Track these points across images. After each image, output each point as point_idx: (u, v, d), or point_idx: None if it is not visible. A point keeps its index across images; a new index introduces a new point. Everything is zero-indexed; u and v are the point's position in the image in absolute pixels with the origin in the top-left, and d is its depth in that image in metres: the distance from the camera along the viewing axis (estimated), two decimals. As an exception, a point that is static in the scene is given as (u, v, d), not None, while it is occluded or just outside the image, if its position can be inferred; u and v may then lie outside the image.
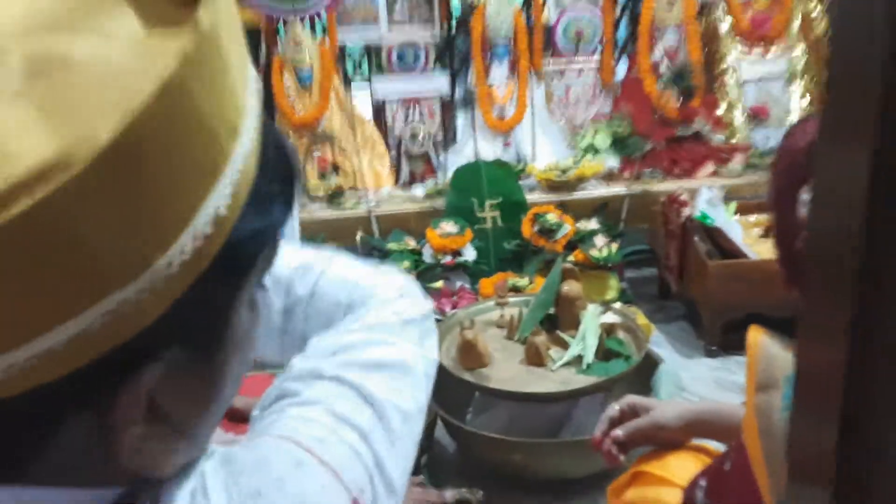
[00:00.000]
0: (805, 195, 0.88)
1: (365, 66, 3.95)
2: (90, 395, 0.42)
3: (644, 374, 2.27)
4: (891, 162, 0.35)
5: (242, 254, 0.45)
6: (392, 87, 3.70)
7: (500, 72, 3.71)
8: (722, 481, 1.03)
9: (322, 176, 3.48)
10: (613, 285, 2.97)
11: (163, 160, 0.37)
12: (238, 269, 0.46)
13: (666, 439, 1.32)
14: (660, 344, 2.88)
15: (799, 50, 3.81)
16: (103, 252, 0.36)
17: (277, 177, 0.47)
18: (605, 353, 2.13)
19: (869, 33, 0.35)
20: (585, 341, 2.13)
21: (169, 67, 0.36)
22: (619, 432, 1.30)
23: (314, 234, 3.17)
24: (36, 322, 0.36)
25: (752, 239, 2.99)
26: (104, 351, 0.39)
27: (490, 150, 3.60)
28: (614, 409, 1.36)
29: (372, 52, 3.85)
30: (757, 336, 0.96)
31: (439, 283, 2.98)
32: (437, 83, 3.74)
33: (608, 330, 2.18)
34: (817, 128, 0.89)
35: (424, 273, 2.98)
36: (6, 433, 0.41)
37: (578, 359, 2.11)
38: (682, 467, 1.24)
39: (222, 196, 0.40)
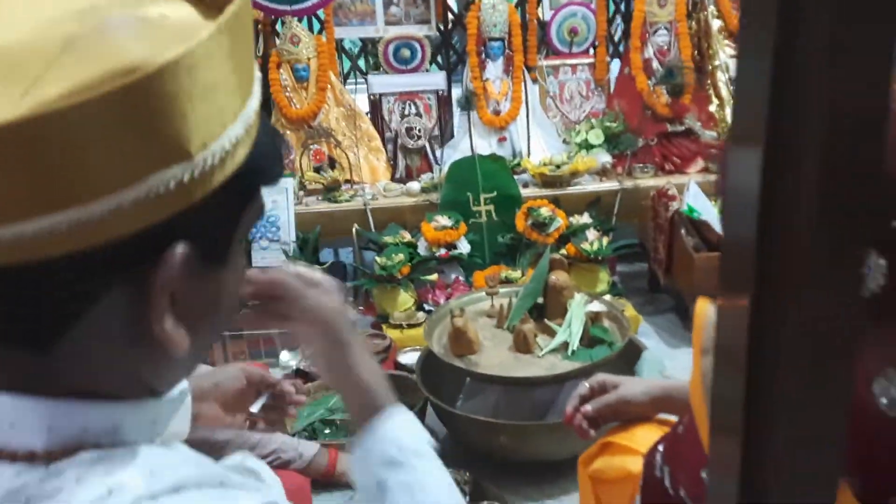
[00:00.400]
0: None
1: (362, 62, 4.01)
2: (131, 262, 0.49)
3: (628, 361, 2.34)
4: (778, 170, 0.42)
5: (252, 177, 0.55)
6: (388, 82, 3.77)
7: (495, 68, 3.77)
8: (677, 444, 1.10)
9: (318, 170, 3.55)
10: (604, 278, 3.04)
11: (219, 81, 0.49)
12: (248, 188, 0.56)
13: (633, 414, 1.38)
14: (648, 335, 2.96)
15: (789, 48, 3.87)
16: (184, 127, 0.47)
17: (270, 141, 0.59)
18: (590, 341, 2.20)
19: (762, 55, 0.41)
20: (571, 329, 2.20)
21: (211, 27, 0.49)
22: (588, 408, 1.36)
23: (310, 226, 3.24)
24: (120, 176, 0.45)
25: (739, 233, 3.05)
26: (153, 221, 0.47)
27: (485, 145, 3.67)
28: (585, 386, 1.42)
29: (369, 49, 3.92)
30: (703, 305, 1.02)
31: (434, 276, 3.05)
32: (433, 79, 3.80)
33: (593, 318, 2.25)
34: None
35: (419, 266, 3.05)
36: (56, 294, 0.48)
37: (564, 345, 2.18)
38: (648, 438, 1.30)
39: (245, 122, 0.52)
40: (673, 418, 1.43)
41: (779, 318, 0.44)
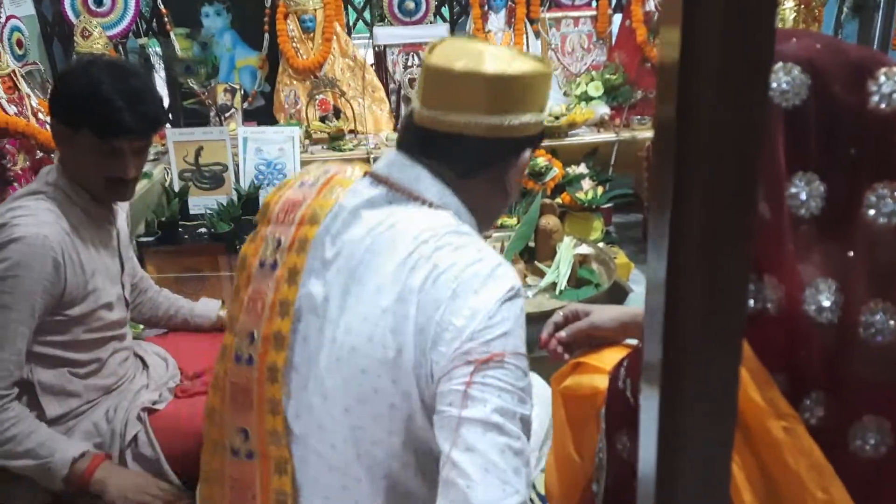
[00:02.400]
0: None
1: (367, 13, 4.07)
2: (521, 149, 1.08)
3: (615, 302, 2.46)
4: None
5: (537, 140, 1.12)
6: (393, 34, 3.84)
7: (497, 20, 3.83)
8: (637, 359, 1.21)
9: (323, 119, 3.65)
10: (597, 226, 3.15)
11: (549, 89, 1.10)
12: (535, 142, 1.12)
13: (603, 338, 1.50)
14: (639, 282, 3.07)
15: (789, 3, 3.90)
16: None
17: (539, 138, 1.14)
18: (577, 282, 2.33)
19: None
20: (559, 270, 2.32)
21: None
22: (563, 334, 1.48)
23: (317, 173, 3.34)
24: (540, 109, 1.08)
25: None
26: (529, 134, 1.07)
27: (486, 96, 3.74)
28: (559, 315, 1.53)
29: (374, 1, 3.98)
30: None
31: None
32: (436, 31, 3.87)
33: (581, 261, 2.37)
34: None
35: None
36: (488, 154, 1.06)
37: (553, 285, 2.30)
38: (615, 359, 1.42)
39: (545, 115, 1.09)
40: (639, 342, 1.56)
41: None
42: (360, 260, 1.00)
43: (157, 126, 1.62)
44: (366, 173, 1.10)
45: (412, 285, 0.95)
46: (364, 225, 1.02)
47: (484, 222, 1.11)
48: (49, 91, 1.61)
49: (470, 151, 1.03)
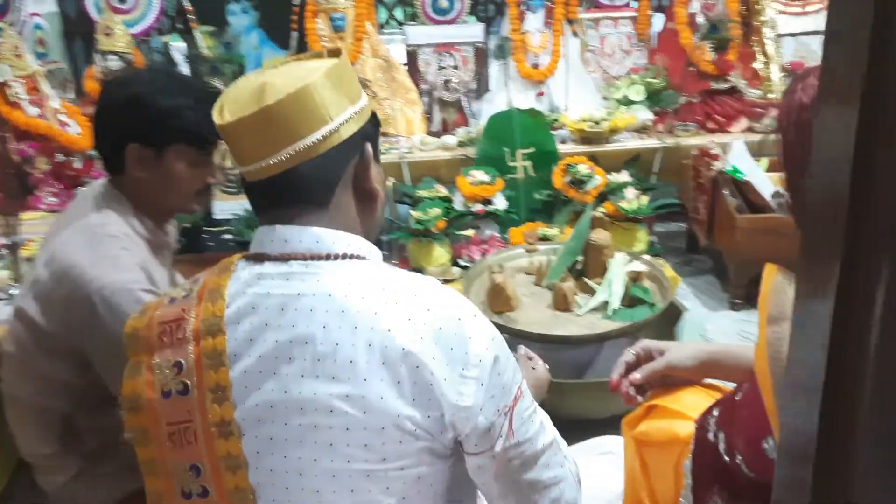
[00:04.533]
0: None
1: (399, 12, 3.94)
2: (358, 147, 0.99)
3: (668, 323, 2.31)
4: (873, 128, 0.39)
5: (371, 129, 1.04)
6: (425, 33, 3.70)
7: (534, 21, 3.68)
8: (732, 410, 1.08)
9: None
10: (642, 237, 2.99)
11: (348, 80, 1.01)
12: (371, 133, 1.04)
13: (679, 378, 1.36)
14: (686, 296, 2.92)
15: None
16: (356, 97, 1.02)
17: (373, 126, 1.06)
18: (630, 301, 2.18)
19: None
20: (612, 288, 2.17)
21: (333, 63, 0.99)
22: (637, 375, 1.35)
23: (346, 179, 3.21)
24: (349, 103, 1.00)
25: (782, 195, 2.98)
26: (358, 129, 0.99)
27: (523, 99, 3.60)
28: (629, 353, 1.40)
29: (406, -1, 3.85)
30: (771, 272, 0.99)
31: (470, 231, 3.02)
32: (470, 31, 3.72)
33: (634, 278, 2.22)
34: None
35: (455, 221, 3.02)
36: (327, 171, 0.98)
37: (604, 305, 2.16)
38: (694, 402, 1.29)
39: (362, 103, 1.02)
40: (719, 383, 1.41)
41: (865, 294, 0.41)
42: (304, 363, 0.92)
43: None
44: (239, 258, 1.02)
45: (389, 387, 0.90)
46: (273, 316, 0.94)
47: (371, 231, 1.07)
48: (98, 115, 1.51)
49: (313, 177, 0.98)
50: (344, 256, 0.97)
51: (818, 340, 0.46)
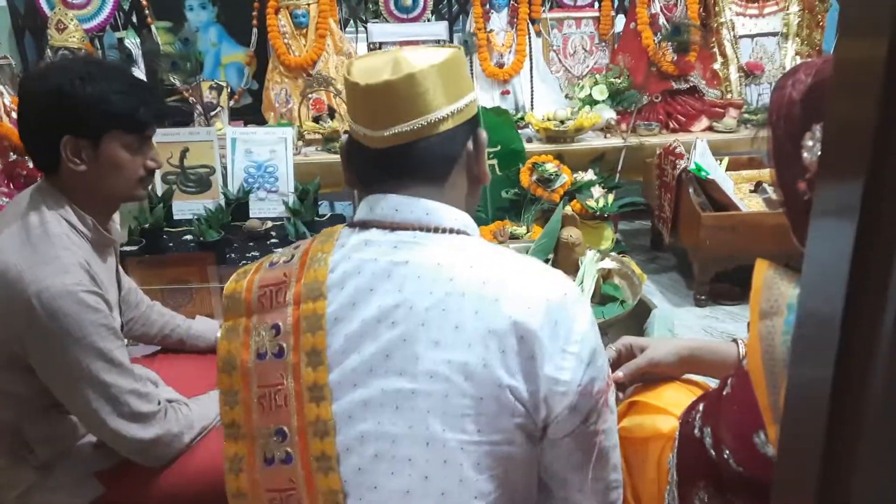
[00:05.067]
0: (808, 141, 0.90)
1: (362, 9, 3.90)
2: (473, 130, 1.03)
3: (638, 319, 2.32)
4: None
5: (478, 121, 1.05)
6: (389, 31, 3.67)
7: (498, 20, 3.68)
8: (719, 405, 1.08)
9: (317, 119, 3.46)
10: (608, 235, 3.01)
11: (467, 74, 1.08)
12: (478, 122, 1.06)
13: (661, 375, 1.37)
14: (651, 293, 2.94)
15: (794, 7, 3.81)
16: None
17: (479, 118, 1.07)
18: (601, 298, 2.18)
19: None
20: (583, 286, 2.17)
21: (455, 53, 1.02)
22: (620, 374, 1.35)
23: (308, 177, 3.16)
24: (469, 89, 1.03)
25: (742, 193, 3.04)
26: (474, 114, 1.03)
27: (488, 98, 3.60)
28: (611, 350, 1.40)
29: (369, -4, 3.81)
30: (763, 267, 0.99)
31: (435, 230, 3.00)
32: (434, 29, 3.71)
33: (605, 275, 2.22)
34: (811, 76, 0.90)
35: (421, 219, 2.99)
36: (449, 148, 1.00)
37: (577, 303, 2.15)
38: (675, 398, 1.30)
39: (476, 94, 1.03)
40: (699, 378, 1.42)
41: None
42: (407, 327, 0.92)
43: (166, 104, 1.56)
44: (342, 227, 1.03)
45: (493, 358, 0.90)
46: (379, 282, 0.94)
47: (471, 212, 1.08)
48: (23, 113, 1.45)
49: (435, 153, 0.99)
50: (451, 231, 0.97)
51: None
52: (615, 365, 1.40)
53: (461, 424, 0.89)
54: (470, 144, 1.03)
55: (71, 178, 1.42)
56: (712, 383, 1.30)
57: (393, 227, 0.97)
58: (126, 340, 1.89)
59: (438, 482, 0.91)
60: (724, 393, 1.10)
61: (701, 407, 1.15)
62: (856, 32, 0.43)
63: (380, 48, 3.66)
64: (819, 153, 0.88)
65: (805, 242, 0.94)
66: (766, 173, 3.07)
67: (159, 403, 1.47)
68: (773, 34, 3.83)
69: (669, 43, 3.56)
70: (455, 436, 0.90)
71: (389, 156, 0.97)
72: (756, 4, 3.82)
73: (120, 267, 1.68)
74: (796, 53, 3.81)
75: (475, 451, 0.91)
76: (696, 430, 1.13)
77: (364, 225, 0.99)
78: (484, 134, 1.05)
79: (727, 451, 1.04)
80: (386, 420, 0.91)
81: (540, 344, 0.89)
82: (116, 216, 1.60)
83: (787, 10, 3.82)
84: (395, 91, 0.94)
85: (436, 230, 0.97)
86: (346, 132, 1.10)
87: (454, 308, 0.90)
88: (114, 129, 1.41)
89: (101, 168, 1.43)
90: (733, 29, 3.80)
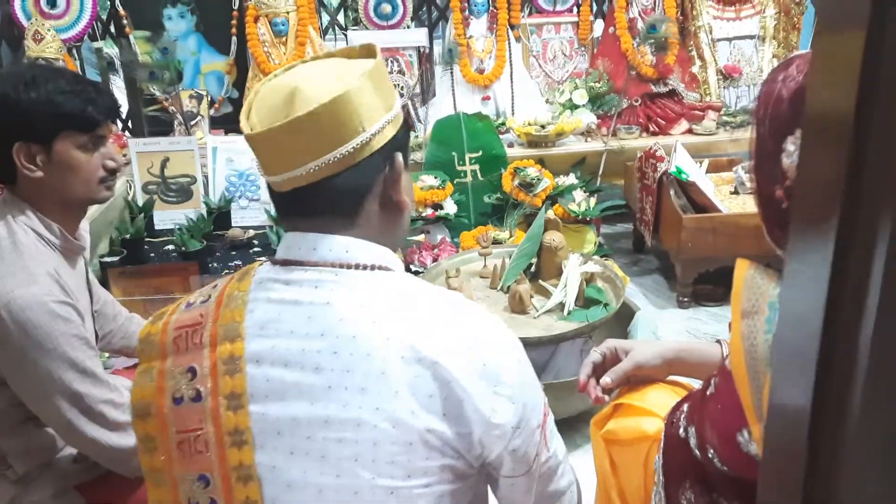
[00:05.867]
0: (790, 145, 0.88)
1: (342, 17, 3.90)
2: (388, 157, 0.95)
3: (621, 322, 2.33)
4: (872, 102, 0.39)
5: (403, 137, 0.98)
6: (369, 38, 3.66)
7: (478, 26, 3.69)
8: (703, 404, 1.08)
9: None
10: (591, 239, 3.03)
11: (385, 84, 0.96)
12: (402, 141, 0.99)
13: (646, 377, 1.37)
14: (634, 296, 2.95)
15: (770, 10, 3.85)
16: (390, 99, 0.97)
17: (404, 133, 1.00)
18: (584, 301, 2.19)
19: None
20: (567, 289, 2.18)
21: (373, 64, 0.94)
22: (607, 379, 1.35)
23: (292, 185, 3.15)
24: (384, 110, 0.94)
25: (722, 195, 3.06)
26: (391, 137, 0.94)
27: (468, 104, 3.60)
28: (596, 354, 1.40)
29: (349, 3, 3.81)
30: (742, 266, 0.99)
31: (420, 237, 3.00)
32: (414, 36, 3.71)
33: (588, 279, 2.23)
34: (803, 74, 0.88)
35: (404, 225, 2.99)
36: (357, 182, 0.93)
37: (560, 306, 2.16)
38: (660, 399, 1.30)
39: (396, 110, 0.96)
40: (683, 380, 1.43)
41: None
42: (333, 373, 0.88)
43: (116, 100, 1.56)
44: (261, 263, 0.99)
45: (421, 404, 0.88)
46: (300, 324, 0.90)
47: (396, 242, 1.04)
48: None
49: (344, 188, 0.93)
50: (373, 267, 0.94)
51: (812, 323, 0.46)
52: (599, 368, 1.40)
53: (390, 471, 0.87)
54: (386, 170, 0.96)
55: (29, 185, 1.41)
56: (696, 384, 1.31)
57: (312, 265, 0.93)
58: (102, 352, 1.87)
59: None
60: (708, 393, 1.10)
61: (685, 407, 1.16)
62: (833, 28, 0.43)
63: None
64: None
65: (779, 244, 0.95)
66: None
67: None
68: (751, 37, 3.87)
69: (648, 41, 3.58)
70: (385, 482, 0.87)
71: (296, 196, 0.93)
72: (733, 8, 3.86)
73: (92, 276, 1.66)
74: (773, 56, 3.85)
75: (407, 494, 0.89)
76: (680, 431, 1.13)
77: (284, 263, 0.95)
78: (400, 158, 0.97)
79: (711, 451, 1.05)
80: (313, 469, 0.88)
81: (468, 388, 0.87)
82: (85, 223, 1.58)
83: (764, 13, 3.86)
84: (288, 136, 0.89)
85: (356, 267, 0.93)
86: None
87: (379, 355, 0.87)
88: (64, 131, 1.40)
89: (57, 172, 1.41)
90: (711, 32, 3.84)
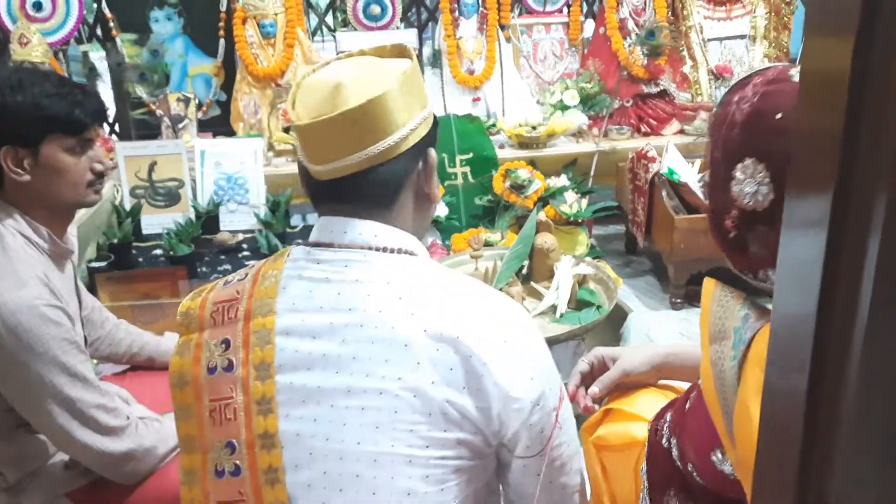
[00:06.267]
0: (739, 173, 0.85)
1: (330, 18, 3.87)
2: (423, 152, 1.01)
3: (614, 324, 2.32)
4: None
5: (434, 134, 1.04)
6: (358, 40, 3.64)
7: (468, 27, 3.67)
8: (684, 419, 1.07)
9: (287, 129, 3.43)
10: (583, 240, 3.01)
11: (419, 84, 1.02)
12: (433, 137, 1.05)
13: (635, 383, 1.35)
14: (627, 297, 2.94)
15: (760, 10, 3.85)
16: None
17: (435, 130, 1.05)
18: (577, 303, 2.17)
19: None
20: (559, 291, 2.16)
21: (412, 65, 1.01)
22: (595, 389, 1.33)
23: (279, 189, 3.13)
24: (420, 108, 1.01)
25: (715, 195, 3.05)
26: (425, 134, 1.00)
27: (459, 105, 3.58)
28: (583, 363, 1.39)
29: (337, 4, 3.79)
30: (710, 287, 0.96)
31: (410, 239, 2.97)
32: (403, 37, 3.69)
33: (580, 281, 2.21)
34: (759, 96, 0.86)
35: (394, 228, 2.97)
36: (395, 175, 0.99)
37: (552, 308, 2.14)
38: (650, 404, 1.28)
39: (429, 108, 1.03)
40: (673, 383, 1.41)
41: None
42: (358, 345, 0.94)
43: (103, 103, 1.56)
44: (297, 244, 1.05)
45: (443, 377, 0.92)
46: (329, 299, 0.97)
47: (422, 231, 1.10)
48: None
49: (382, 180, 1.00)
50: (399, 251, 0.99)
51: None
52: (588, 377, 1.38)
53: (409, 439, 0.91)
54: (420, 164, 1.02)
55: (17, 189, 1.40)
56: (685, 386, 1.30)
57: (343, 247, 0.99)
58: (94, 360, 1.85)
59: (386, 497, 0.92)
60: (687, 406, 1.08)
61: (668, 416, 1.14)
62: (822, 34, 0.42)
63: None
64: (748, 191, 0.84)
65: (737, 266, 0.93)
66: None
67: (128, 418, 1.43)
68: (741, 37, 3.87)
69: (643, 47, 3.56)
70: (403, 450, 0.91)
71: (336, 185, 0.99)
72: (723, 8, 3.85)
73: (80, 281, 1.64)
74: (764, 55, 3.85)
75: (424, 463, 0.92)
76: (664, 441, 1.12)
77: (315, 245, 1.01)
78: (434, 154, 1.04)
79: (691, 465, 1.03)
80: (335, 436, 0.92)
81: (489, 363, 0.91)
82: (73, 228, 1.56)
83: (754, 13, 3.86)
84: (335, 128, 0.95)
85: (384, 250, 0.99)
86: None
87: (403, 327, 0.91)
88: (51, 134, 1.39)
89: (45, 175, 1.40)
90: (702, 32, 3.83)
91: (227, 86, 3.66)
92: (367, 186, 0.99)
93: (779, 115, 0.84)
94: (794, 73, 0.87)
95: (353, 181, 0.98)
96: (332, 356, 0.93)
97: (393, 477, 0.92)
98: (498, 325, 0.95)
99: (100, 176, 1.49)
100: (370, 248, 0.98)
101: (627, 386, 1.38)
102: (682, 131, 3.56)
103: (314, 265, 0.99)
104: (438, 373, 0.91)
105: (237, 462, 0.97)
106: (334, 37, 3.73)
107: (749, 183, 0.85)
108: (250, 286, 1.01)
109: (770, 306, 0.89)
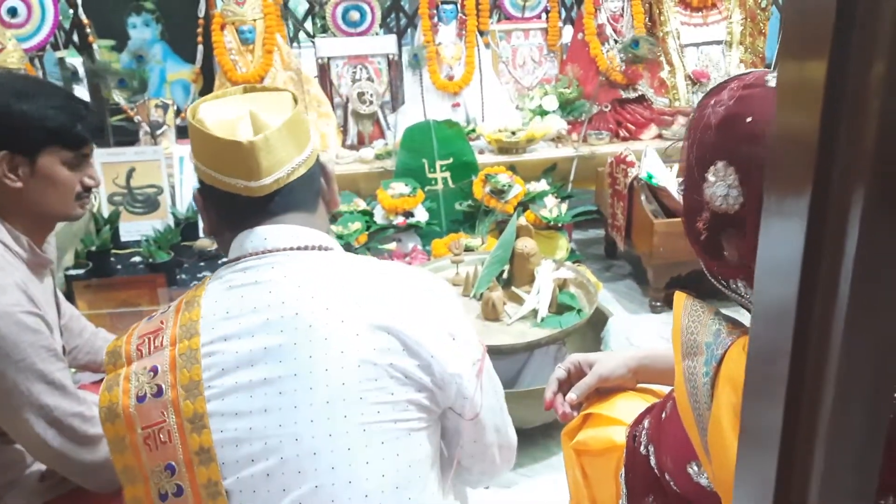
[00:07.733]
0: (711, 176, 0.86)
1: (309, 24, 3.87)
2: (320, 163, 1.15)
3: (594, 328, 2.33)
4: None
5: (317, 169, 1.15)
6: (337, 46, 3.64)
7: (447, 32, 3.68)
8: (661, 428, 1.07)
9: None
10: (563, 245, 3.02)
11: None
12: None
13: (613, 388, 1.36)
14: (607, 301, 2.96)
15: (736, 16, 3.90)
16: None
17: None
18: (557, 307, 2.18)
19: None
20: (540, 296, 2.17)
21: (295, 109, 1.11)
22: (573, 395, 1.33)
23: (262, 195, 3.11)
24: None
25: (694, 199, 3.07)
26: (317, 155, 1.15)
27: (438, 111, 3.59)
28: (560, 370, 1.39)
29: (316, 10, 3.78)
30: (681, 301, 0.97)
31: (392, 245, 2.98)
32: (383, 43, 3.69)
33: (561, 285, 2.22)
34: (734, 99, 0.86)
35: (376, 234, 2.97)
36: (314, 181, 1.11)
37: (533, 313, 2.15)
38: (629, 408, 1.28)
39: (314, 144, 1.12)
40: (652, 386, 1.41)
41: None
42: (297, 331, 0.99)
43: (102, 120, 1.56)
44: (218, 269, 1.13)
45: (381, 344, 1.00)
46: (261, 299, 1.02)
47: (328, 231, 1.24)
48: None
49: (307, 189, 1.11)
50: (319, 248, 1.07)
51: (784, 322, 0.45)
52: (565, 384, 1.38)
53: (360, 408, 0.97)
54: (324, 173, 1.17)
55: (5, 195, 1.39)
56: (667, 390, 1.30)
57: (266, 252, 1.06)
58: (72, 369, 1.83)
59: (345, 470, 0.97)
60: (663, 416, 1.09)
61: (646, 423, 1.14)
62: (797, 48, 0.43)
63: (328, 63, 3.64)
64: (719, 194, 0.85)
65: (709, 270, 0.93)
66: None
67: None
68: (718, 42, 3.91)
69: (626, 55, 3.59)
70: (356, 418, 0.97)
71: (269, 198, 1.06)
72: (700, 14, 3.89)
73: (58, 290, 1.62)
74: (740, 61, 3.89)
75: (378, 429, 0.98)
76: (642, 448, 1.12)
77: (238, 259, 1.07)
78: (329, 165, 1.18)
79: (667, 475, 1.04)
80: (287, 420, 0.97)
81: (421, 339, 0.99)
82: (52, 238, 1.55)
83: (730, 18, 3.90)
84: (272, 143, 1.04)
85: (306, 248, 1.07)
86: (198, 185, 1.15)
87: (337, 306, 0.99)
88: (52, 146, 1.39)
89: (37, 185, 1.40)
90: (679, 38, 3.87)
91: (206, 92, 3.63)
92: (299, 195, 1.09)
93: (749, 119, 0.84)
94: (771, 78, 0.87)
95: (285, 192, 1.07)
96: (273, 347, 0.98)
97: (350, 448, 0.96)
98: (421, 303, 1.04)
99: (88, 190, 1.49)
100: (292, 249, 1.06)
101: (606, 390, 1.38)
102: (660, 136, 3.59)
103: (240, 274, 1.04)
104: (378, 340, 0.98)
105: (178, 483, 1.00)
106: (313, 43, 3.73)
107: (720, 186, 0.86)
108: (174, 315, 1.06)
109: (740, 318, 0.89)
